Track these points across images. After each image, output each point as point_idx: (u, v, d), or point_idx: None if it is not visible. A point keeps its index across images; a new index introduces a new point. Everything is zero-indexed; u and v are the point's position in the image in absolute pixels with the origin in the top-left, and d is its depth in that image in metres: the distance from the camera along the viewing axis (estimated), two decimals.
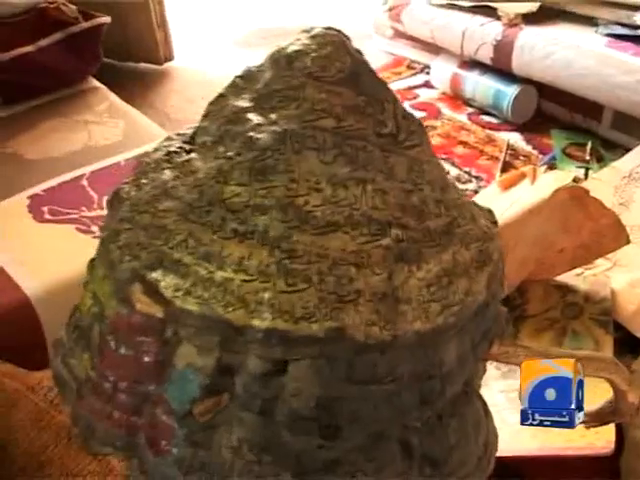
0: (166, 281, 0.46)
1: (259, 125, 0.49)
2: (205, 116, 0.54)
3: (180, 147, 0.53)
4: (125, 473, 0.83)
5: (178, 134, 0.55)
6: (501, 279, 0.54)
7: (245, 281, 0.44)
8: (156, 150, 0.54)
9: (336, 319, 0.44)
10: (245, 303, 0.44)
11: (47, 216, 1.34)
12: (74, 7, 1.79)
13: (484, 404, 0.56)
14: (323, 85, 0.49)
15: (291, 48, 0.51)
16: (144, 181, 0.51)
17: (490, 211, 0.57)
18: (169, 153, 0.53)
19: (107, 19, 1.81)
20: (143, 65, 2.47)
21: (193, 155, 0.51)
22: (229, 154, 0.49)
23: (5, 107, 1.69)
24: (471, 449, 0.53)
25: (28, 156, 1.53)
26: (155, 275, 0.46)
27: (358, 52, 0.52)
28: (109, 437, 0.51)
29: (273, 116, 0.49)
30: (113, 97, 1.76)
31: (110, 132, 1.61)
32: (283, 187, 0.46)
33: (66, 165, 1.48)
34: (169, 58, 2.48)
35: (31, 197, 1.39)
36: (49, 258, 1.24)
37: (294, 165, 0.47)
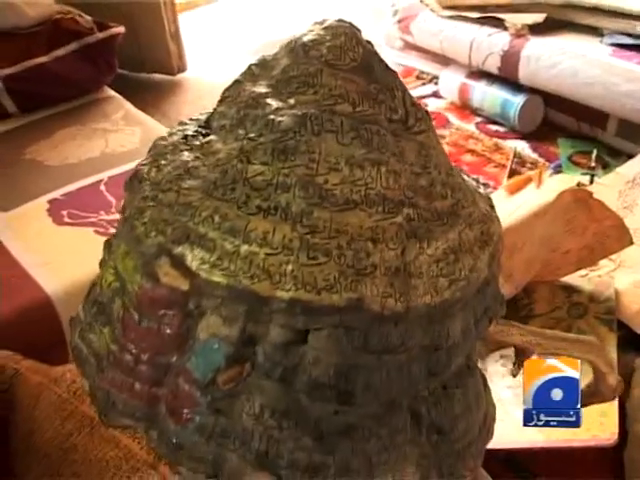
0: (192, 254, 0.48)
1: (279, 109, 0.51)
2: (221, 101, 0.56)
3: (196, 131, 0.55)
4: (145, 458, 0.86)
5: (191, 119, 0.57)
6: (499, 260, 0.57)
7: (269, 254, 0.47)
8: (171, 134, 0.56)
9: (355, 290, 0.46)
10: (269, 275, 0.46)
11: (66, 219, 1.37)
12: (89, 18, 1.82)
13: (483, 378, 0.59)
14: (338, 73, 0.52)
15: (306, 37, 0.54)
16: (163, 162, 0.53)
17: (489, 197, 0.60)
18: (186, 136, 0.55)
19: (121, 29, 1.85)
20: (156, 76, 2.50)
21: (212, 137, 0.54)
22: (250, 135, 0.51)
23: (23, 115, 1.72)
24: (474, 419, 0.56)
25: (47, 162, 1.56)
26: (181, 249, 0.48)
27: (369, 43, 0.55)
28: (129, 409, 0.53)
29: (291, 101, 0.52)
30: (128, 106, 1.79)
31: (126, 139, 1.64)
32: (304, 166, 0.49)
33: (84, 171, 1.52)
34: (182, 69, 2.51)
35: (51, 201, 1.42)
36: (69, 260, 1.27)
37: (314, 146, 0.49)
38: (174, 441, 0.51)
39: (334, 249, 0.47)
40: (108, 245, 0.56)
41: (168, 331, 0.50)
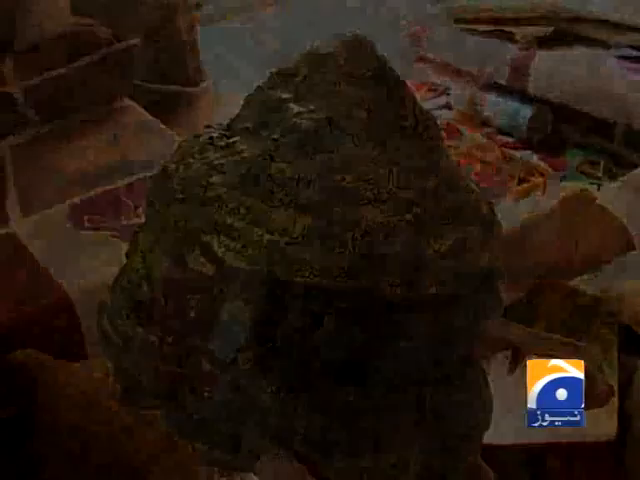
0: (219, 242, 0.51)
1: (300, 113, 0.55)
2: (244, 106, 0.60)
3: (221, 134, 0.59)
4: (161, 447, 0.90)
5: (216, 124, 0.62)
6: (500, 260, 0.60)
7: (289, 243, 0.50)
8: (197, 136, 0.60)
9: (368, 278, 0.50)
10: (290, 261, 0.50)
11: (87, 224, 1.42)
12: (106, 29, 1.87)
13: (483, 372, 0.62)
14: (355, 81, 0.57)
15: (325, 49, 0.59)
16: (190, 160, 0.57)
17: (490, 202, 0.63)
18: (212, 138, 0.58)
19: (138, 41, 1.90)
20: (173, 87, 2.50)
21: (236, 139, 0.57)
22: (273, 137, 0.55)
23: (44, 124, 1.77)
24: (474, 407, 0.59)
25: (68, 169, 1.60)
26: (209, 237, 0.52)
27: (382, 56, 0.60)
28: (152, 389, 0.56)
29: (311, 106, 0.55)
30: (146, 115, 1.84)
31: (144, 148, 1.68)
32: (323, 165, 0.53)
33: (103, 178, 1.57)
34: (199, 80, 2.53)
35: (71, 207, 1.47)
36: (90, 263, 1.32)
37: (332, 147, 0.53)
38: (194, 419, 0.55)
39: (349, 240, 0.51)
40: (135, 236, 0.60)
41: (193, 315, 0.53)
